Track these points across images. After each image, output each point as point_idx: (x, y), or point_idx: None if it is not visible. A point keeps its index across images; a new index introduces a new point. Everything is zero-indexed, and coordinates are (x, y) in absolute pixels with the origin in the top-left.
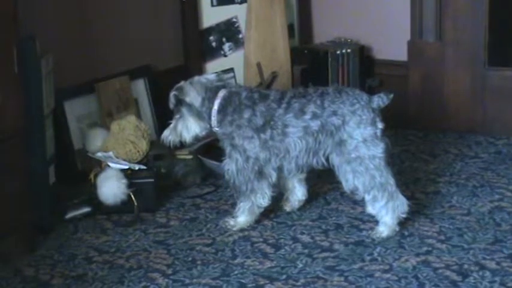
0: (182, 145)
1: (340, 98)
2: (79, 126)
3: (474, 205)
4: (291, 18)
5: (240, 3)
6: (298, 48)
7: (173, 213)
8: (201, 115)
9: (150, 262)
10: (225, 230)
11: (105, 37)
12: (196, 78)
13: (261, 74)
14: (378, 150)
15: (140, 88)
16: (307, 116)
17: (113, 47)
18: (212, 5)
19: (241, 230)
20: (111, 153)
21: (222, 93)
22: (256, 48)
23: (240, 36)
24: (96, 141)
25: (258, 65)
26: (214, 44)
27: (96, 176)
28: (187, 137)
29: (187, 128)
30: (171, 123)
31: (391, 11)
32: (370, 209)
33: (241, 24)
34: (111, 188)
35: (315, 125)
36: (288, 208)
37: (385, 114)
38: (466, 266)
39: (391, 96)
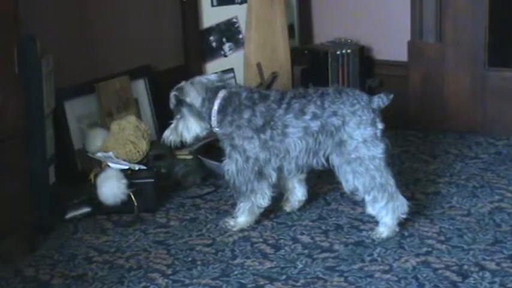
0: (183, 145)
1: (340, 99)
2: (79, 126)
3: (474, 206)
4: (291, 19)
5: (240, 3)
6: (298, 49)
7: (173, 213)
8: (202, 115)
9: (150, 262)
10: (225, 230)
11: (105, 37)
12: (197, 78)
13: (261, 75)
14: (378, 150)
15: (140, 88)
16: (307, 117)
17: (113, 47)
18: (212, 5)
19: (241, 230)
20: (111, 154)
21: (222, 94)
22: (257, 48)
23: (240, 36)
24: (96, 141)
25: (258, 65)
26: (214, 44)
27: (96, 176)
28: (188, 137)
29: (187, 128)
30: (171, 123)
31: (391, 11)
32: (370, 210)
33: (242, 25)
34: (111, 188)
35: (315, 125)
36: (288, 208)
37: (385, 114)
38: (466, 267)
39: (391, 96)
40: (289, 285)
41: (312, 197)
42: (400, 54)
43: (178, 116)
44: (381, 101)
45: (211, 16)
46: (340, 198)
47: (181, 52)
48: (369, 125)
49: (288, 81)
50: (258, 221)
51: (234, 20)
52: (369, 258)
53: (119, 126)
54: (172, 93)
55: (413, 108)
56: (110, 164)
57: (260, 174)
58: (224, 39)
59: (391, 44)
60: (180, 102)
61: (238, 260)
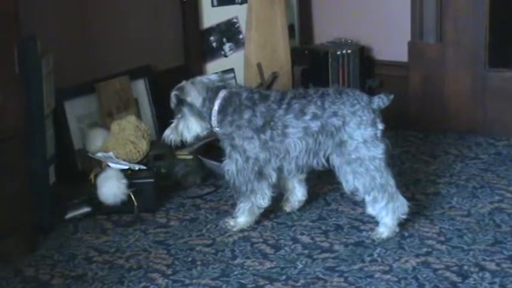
0: (183, 144)
1: (341, 99)
2: (79, 126)
3: (474, 206)
4: (291, 19)
5: (241, 3)
6: (298, 49)
7: (173, 213)
8: (202, 115)
9: (150, 262)
10: (225, 230)
11: (105, 37)
12: (198, 78)
13: (262, 75)
14: (378, 151)
15: (140, 88)
16: (307, 117)
17: (113, 47)
18: (213, 5)
19: (241, 230)
20: (111, 154)
21: (222, 94)
22: (257, 48)
23: (241, 36)
24: (97, 142)
25: (259, 65)
26: (214, 44)
27: (96, 176)
28: (188, 136)
29: (188, 128)
30: (172, 122)
31: (392, 11)
32: (370, 210)
33: (242, 25)
34: (111, 188)
35: (315, 125)
36: (288, 209)
37: (386, 115)
38: (465, 267)
39: (392, 97)
40: (289, 285)
41: (312, 197)
42: (401, 54)
43: (179, 116)
44: (381, 101)
45: (211, 16)
46: (340, 198)
47: (181, 52)
48: (369, 125)
49: (288, 81)
50: (258, 221)
51: (235, 20)
52: (369, 259)
53: (119, 126)
54: (173, 93)
55: (413, 109)
56: (110, 164)
57: (260, 175)
58: (224, 40)
59: (392, 44)
60: (181, 101)
61: (238, 260)
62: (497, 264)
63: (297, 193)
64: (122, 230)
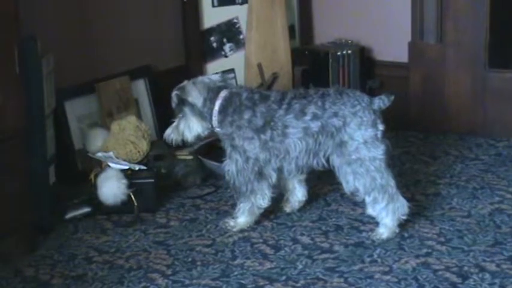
0: (184, 144)
1: (341, 100)
2: (79, 126)
3: (474, 207)
4: (291, 19)
5: (241, 4)
6: (298, 49)
7: (173, 213)
8: (203, 115)
9: (149, 262)
10: (225, 230)
11: (105, 37)
12: (199, 78)
13: (262, 75)
14: (379, 151)
15: (141, 88)
16: (308, 117)
17: (114, 47)
18: (213, 6)
19: (241, 230)
20: (111, 154)
21: (223, 94)
22: (257, 49)
23: (241, 37)
24: (97, 142)
25: (259, 65)
26: (215, 44)
27: (96, 176)
28: (189, 136)
29: (189, 128)
30: (174, 121)
31: (392, 12)
32: (370, 211)
33: (242, 25)
34: (111, 188)
35: (315, 126)
36: (288, 209)
37: (386, 115)
38: (466, 268)
39: (392, 98)
40: (289, 285)
41: (312, 197)
42: (401, 55)
43: (180, 115)
44: (381, 102)
45: (212, 16)
46: (340, 199)
47: (181, 52)
48: (369, 126)
49: (288, 81)
50: (258, 222)
51: (235, 21)
52: (368, 259)
53: (119, 126)
54: (174, 93)
55: (413, 110)
56: (110, 164)
57: (260, 175)
58: (225, 40)
59: (392, 44)
60: (182, 101)
61: (238, 261)
62: (497, 265)
63: (297, 193)
64: (122, 230)
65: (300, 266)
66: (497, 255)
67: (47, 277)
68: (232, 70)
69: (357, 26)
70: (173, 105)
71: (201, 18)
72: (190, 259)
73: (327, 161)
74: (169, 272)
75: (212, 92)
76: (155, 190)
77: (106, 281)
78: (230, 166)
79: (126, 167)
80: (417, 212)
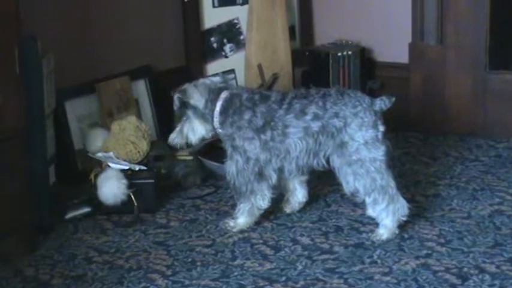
0: (188, 146)
1: (342, 100)
2: (79, 126)
3: (474, 208)
4: (292, 20)
5: (242, 4)
6: (299, 50)
7: (173, 214)
8: (206, 117)
9: (149, 263)
10: (224, 231)
11: (105, 37)
12: (200, 80)
13: (262, 76)
14: (379, 152)
15: (141, 88)
16: (308, 117)
17: (114, 47)
18: (213, 6)
19: (241, 231)
20: (111, 154)
21: (224, 95)
22: (257, 49)
23: (241, 37)
24: (97, 142)
25: (259, 66)
26: (215, 45)
27: (96, 176)
28: (194, 139)
29: (193, 131)
30: (177, 126)
31: (392, 13)
32: (370, 212)
33: (243, 26)
34: (111, 188)
35: (315, 126)
36: (288, 210)
37: (386, 116)
38: (465, 270)
39: (393, 99)
40: (289, 286)
41: (312, 198)
42: (401, 56)
43: (184, 118)
44: (383, 103)
45: (212, 17)
46: (340, 199)
47: (182, 53)
48: (370, 127)
49: (288, 82)
50: (258, 222)
51: (235, 21)
52: (368, 260)
53: (120, 126)
54: (176, 95)
55: (414, 111)
56: (110, 164)
57: (260, 176)
58: (225, 40)
59: (392, 45)
60: (184, 104)
61: (238, 261)
62: (497, 267)
63: (298, 194)
64: (121, 231)
65: (300, 267)
66: (497, 256)
67: (47, 277)
68: (232, 71)
69: (358, 27)
70: (175, 108)
71: (202, 18)
72: (190, 259)
73: (327, 161)
74: (169, 272)
75: (213, 93)
76: (155, 190)
77: (106, 281)
78: (230, 166)
79: (126, 167)
80: (417, 213)
